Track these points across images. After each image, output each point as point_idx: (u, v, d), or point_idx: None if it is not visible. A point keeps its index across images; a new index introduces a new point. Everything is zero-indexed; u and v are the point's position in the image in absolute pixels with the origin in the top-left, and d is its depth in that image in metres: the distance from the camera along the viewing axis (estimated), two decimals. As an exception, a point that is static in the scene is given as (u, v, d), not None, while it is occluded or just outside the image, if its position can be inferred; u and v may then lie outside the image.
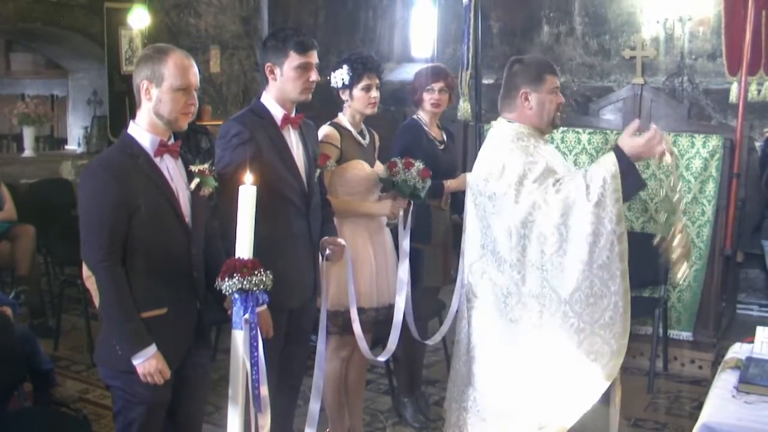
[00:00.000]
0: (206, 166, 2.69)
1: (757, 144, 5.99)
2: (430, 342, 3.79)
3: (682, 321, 4.95)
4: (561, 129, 4.87)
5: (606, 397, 3.04)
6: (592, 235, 2.78)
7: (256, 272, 2.33)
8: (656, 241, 2.97)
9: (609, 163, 2.81)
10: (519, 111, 3.01)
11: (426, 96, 4.00)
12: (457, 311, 3.23)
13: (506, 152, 2.94)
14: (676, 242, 2.92)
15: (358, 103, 3.52)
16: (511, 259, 2.88)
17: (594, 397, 2.89)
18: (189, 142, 6.10)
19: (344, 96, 3.53)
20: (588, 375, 2.88)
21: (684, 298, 4.92)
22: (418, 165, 3.56)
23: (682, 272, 2.98)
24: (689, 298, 4.91)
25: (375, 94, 3.54)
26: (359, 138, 3.58)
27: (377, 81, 3.55)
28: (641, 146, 2.82)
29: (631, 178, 2.82)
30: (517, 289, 2.88)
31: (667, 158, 2.85)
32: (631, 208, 4.96)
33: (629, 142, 2.84)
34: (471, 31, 5.39)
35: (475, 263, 3.03)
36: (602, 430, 3.09)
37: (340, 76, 3.49)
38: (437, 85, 3.98)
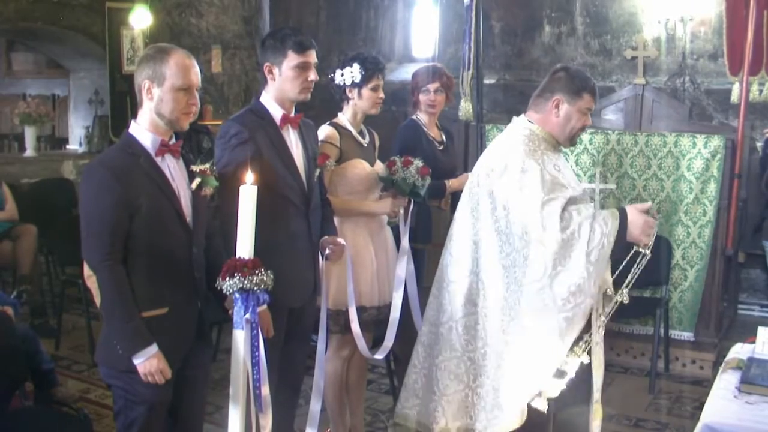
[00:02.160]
0: (207, 165, 2.69)
1: (758, 144, 5.99)
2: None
3: (683, 321, 4.95)
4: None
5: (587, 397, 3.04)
6: (576, 287, 2.79)
7: (256, 272, 2.34)
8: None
9: (613, 226, 2.81)
10: (545, 115, 3.00)
11: (422, 97, 4.01)
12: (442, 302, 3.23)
13: (510, 152, 2.95)
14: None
15: (365, 102, 3.52)
16: (501, 262, 2.90)
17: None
18: (190, 142, 6.11)
19: (351, 94, 3.53)
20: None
21: (685, 299, 4.92)
22: (417, 163, 3.56)
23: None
24: (690, 299, 4.91)
25: (382, 94, 3.57)
26: (359, 138, 3.58)
27: (382, 82, 3.57)
28: (640, 228, 2.82)
29: (620, 245, 2.82)
30: (498, 292, 2.91)
31: (642, 250, 2.85)
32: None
33: (634, 216, 2.83)
34: (472, 31, 5.39)
35: (464, 257, 3.04)
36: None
37: (350, 74, 3.49)
38: (433, 86, 3.98)
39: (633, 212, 2.84)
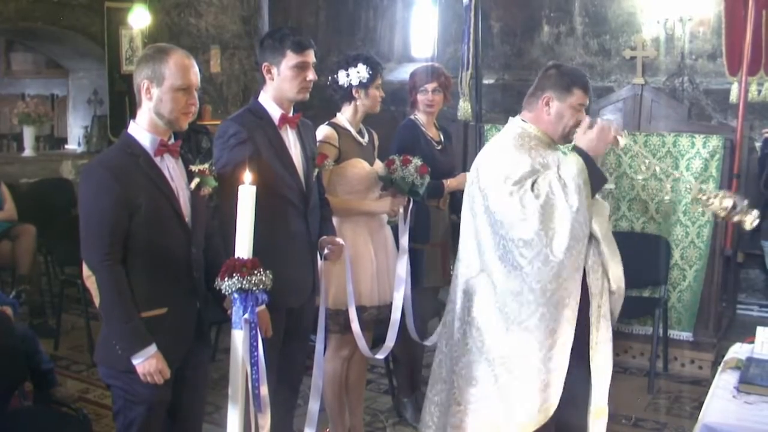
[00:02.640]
0: (206, 165, 2.69)
1: (757, 144, 6.00)
2: (428, 342, 3.78)
3: (682, 321, 4.95)
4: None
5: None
6: (573, 239, 2.82)
7: (255, 272, 2.33)
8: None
9: (575, 165, 2.83)
10: (537, 113, 3.00)
11: (420, 97, 4.02)
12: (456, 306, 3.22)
13: (501, 149, 2.98)
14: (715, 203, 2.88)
15: (371, 101, 3.54)
16: (497, 253, 2.91)
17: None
18: (189, 142, 6.11)
19: (357, 94, 3.53)
20: (560, 367, 2.90)
21: (684, 298, 4.92)
22: (416, 162, 3.57)
23: (750, 219, 2.87)
24: (689, 298, 4.91)
25: (383, 93, 3.59)
26: (358, 137, 3.58)
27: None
28: (595, 139, 2.87)
29: (594, 175, 2.86)
30: (504, 285, 2.91)
31: (621, 141, 2.91)
32: (631, 208, 4.96)
33: (584, 140, 2.89)
34: (471, 31, 5.39)
35: (471, 257, 3.04)
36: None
37: (356, 74, 3.49)
38: (430, 86, 3.99)
39: (581, 139, 2.89)
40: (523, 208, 2.81)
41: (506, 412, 2.94)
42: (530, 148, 2.95)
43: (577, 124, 3.00)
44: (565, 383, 2.91)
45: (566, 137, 3.03)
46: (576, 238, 2.82)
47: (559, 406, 2.93)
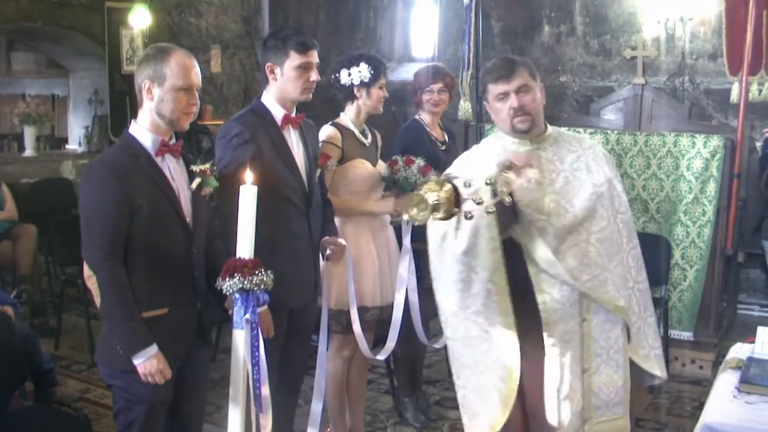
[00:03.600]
0: (207, 166, 2.69)
1: (758, 144, 5.99)
2: (438, 345, 3.75)
3: (682, 321, 4.95)
4: (562, 129, 4.85)
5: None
6: (462, 282, 2.70)
7: (256, 272, 2.33)
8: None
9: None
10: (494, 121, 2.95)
11: (425, 97, 4.02)
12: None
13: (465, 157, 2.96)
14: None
15: (373, 101, 3.53)
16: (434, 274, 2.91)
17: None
18: (190, 142, 6.12)
19: (359, 94, 3.52)
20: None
21: (685, 298, 4.92)
22: (419, 162, 3.57)
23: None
24: (690, 298, 4.92)
25: (386, 93, 3.58)
26: (361, 137, 3.58)
27: (386, 80, 3.60)
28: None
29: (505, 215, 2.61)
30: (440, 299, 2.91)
31: (523, 178, 2.53)
32: (631, 207, 4.93)
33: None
34: (472, 31, 5.39)
35: None
36: None
37: (358, 74, 3.49)
38: (436, 86, 3.99)
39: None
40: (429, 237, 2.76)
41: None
42: (496, 153, 2.81)
43: (513, 111, 2.78)
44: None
45: (514, 129, 2.83)
46: (467, 282, 2.68)
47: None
